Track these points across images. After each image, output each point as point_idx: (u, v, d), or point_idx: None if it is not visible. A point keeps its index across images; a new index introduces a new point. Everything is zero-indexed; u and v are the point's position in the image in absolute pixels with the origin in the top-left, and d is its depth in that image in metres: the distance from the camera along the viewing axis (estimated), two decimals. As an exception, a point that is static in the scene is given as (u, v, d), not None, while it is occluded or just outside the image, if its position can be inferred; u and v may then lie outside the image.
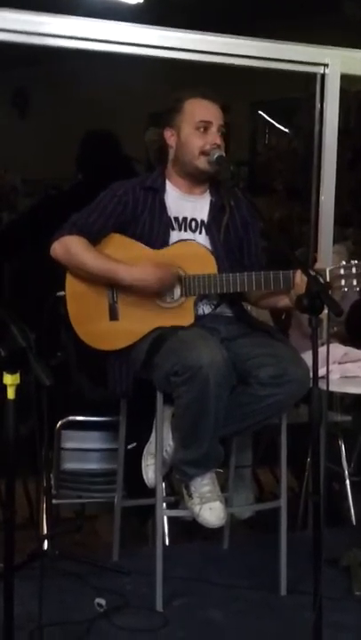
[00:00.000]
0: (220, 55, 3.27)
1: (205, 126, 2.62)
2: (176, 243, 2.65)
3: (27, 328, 1.80)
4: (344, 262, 2.40)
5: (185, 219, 2.68)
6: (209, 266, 2.59)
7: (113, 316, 2.64)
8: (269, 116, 6.05)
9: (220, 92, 2.72)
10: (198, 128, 2.62)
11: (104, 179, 2.75)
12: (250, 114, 6.02)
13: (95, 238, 2.63)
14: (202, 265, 2.59)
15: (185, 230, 2.67)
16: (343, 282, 2.39)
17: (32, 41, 3.05)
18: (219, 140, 2.61)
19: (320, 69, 3.39)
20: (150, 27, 3.19)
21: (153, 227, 2.64)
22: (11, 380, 1.80)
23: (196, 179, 2.68)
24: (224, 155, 2.60)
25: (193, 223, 2.68)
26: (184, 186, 2.70)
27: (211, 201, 2.71)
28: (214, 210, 2.70)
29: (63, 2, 3.42)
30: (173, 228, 2.66)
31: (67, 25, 3.08)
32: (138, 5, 5.05)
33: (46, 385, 1.76)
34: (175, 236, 2.66)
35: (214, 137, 2.61)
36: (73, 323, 2.67)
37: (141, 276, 2.55)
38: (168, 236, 2.65)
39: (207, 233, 2.67)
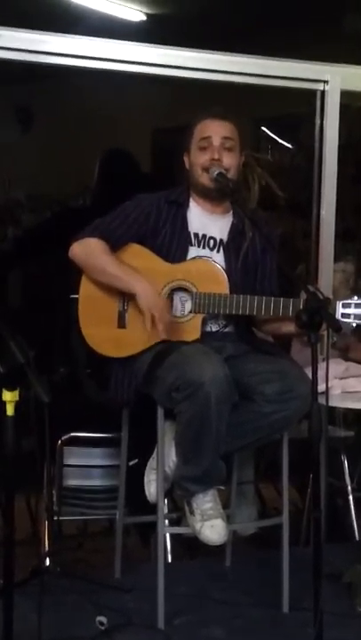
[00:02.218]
0: (221, 73, 3.30)
1: (207, 143, 2.64)
2: (192, 259, 2.66)
3: (26, 344, 1.81)
4: (356, 297, 2.38)
5: (204, 236, 2.69)
6: (221, 286, 2.60)
7: (121, 323, 2.65)
8: (272, 133, 6.07)
9: (224, 109, 2.74)
10: (200, 147, 2.65)
11: (124, 195, 2.76)
12: (253, 130, 6.04)
13: (115, 244, 2.65)
14: (214, 284, 2.60)
15: (203, 247, 2.68)
16: (353, 317, 2.38)
17: (34, 59, 3.09)
18: (216, 155, 2.62)
19: (320, 86, 3.42)
20: (151, 45, 3.22)
21: (173, 240, 2.66)
22: (10, 396, 1.81)
23: (208, 197, 2.69)
24: (224, 172, 2.61)
25: (212, 241, 2.69)
26: (205, 205, 2.71)
27: (233, 222, 2.72)
28: (234, 231, 2.71)
29: (65, 20, 3.46)
30: (192, 244, 2.67)
31: (68, 44, 3.11)
32: (140, 23, 5.09)
33: (45, 402, 1.76)
34: (193, 252, 2.67)
35: (213, 152, 2.63)
36: (81, 325, 2.68)
37: (153, 303, 2.54)
38: (186, 251, 2.66)
39: (225, 253, 2.68)
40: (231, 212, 2.74)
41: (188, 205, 2.71)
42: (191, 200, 2.72)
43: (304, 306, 2.12)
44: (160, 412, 2.57)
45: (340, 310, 2.33)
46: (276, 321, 2.65)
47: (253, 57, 3.32)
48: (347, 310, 2.33)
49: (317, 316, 2.08)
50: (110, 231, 2.65)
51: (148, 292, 2.56)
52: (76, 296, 2.71)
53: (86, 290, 2.69)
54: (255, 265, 2.73)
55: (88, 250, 2.63)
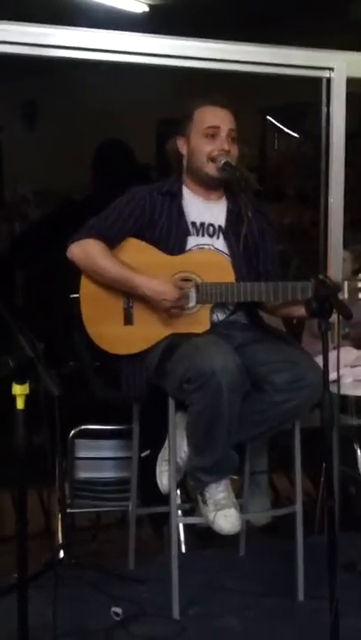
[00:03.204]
0: (226, 62, 3.29)
1: (213, 132, 2.62)
2: (193, 249, 2.65)
3: (34, 338, 1.81)
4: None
5: (203, 224, 2.68)
6: (226, 274, 2.59)
7: (128, 320, 2.64)
8: (278, 122, 6.04)
9: (229, 99, 2.73)
10: (207, 135, 2.63)
11: (121, 186, 2.76)
12: (259, 119, 6.02)
13: (113, 242, 2.64)
14: (219, 273, 2.59)
15: (203, 235, 2.68)
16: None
17: (38, 53, 3.08)
18: (226, 146, 2.61)
19: (326, 74, 3.40)
20: (155, 36, 3.21)
21: (170, 231, 2.65)
22: (19, 390, 1.81)
23: (208, 185, 2.69)
24: (230, 160, 2.60)
25: (211, 228, 2.69)
26: (200, 192, 2.71)
27: (228, 207, 2.71)
28: (231, 216, 2.70)
29: (68, 13, 3.44)
30: (191, 234, 2.67)
31: (72, 36, 3.11)
32: (144, 14, 5.06)
33: (55, 395, 1.76)
34: (193, 241, 2.66)
35: (222, 142, 2.62)
36: (86, 325, 2.67)
37: (160, 290, 2.54)
38: (185, 241, 2.65)
39: (225, 238, 2.68)
40: (224, 197, 2.72)
41: (181, 195, 2.70)
42: (185, 188, 2.71)
43: (314, 293, 2.11)
44: (171, 403, 2.57)
45: (346, 289, 2.33)
46: (287, 305, 2.64)
47: (258, 45, 3.31)
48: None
49: (327, 303, 2.07)
50: (107, 229, 2.63)
51: (150, 284, 2.55)
52: (77, 295, 2.70)
53: (87, 289, 2.67)
54: (256, 247, 2.72)
55: (87, 251, 2.62)
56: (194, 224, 2.68)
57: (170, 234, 2.65)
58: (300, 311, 2.55)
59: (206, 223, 2.68)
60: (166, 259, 2.63)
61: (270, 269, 2.72)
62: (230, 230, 2.68)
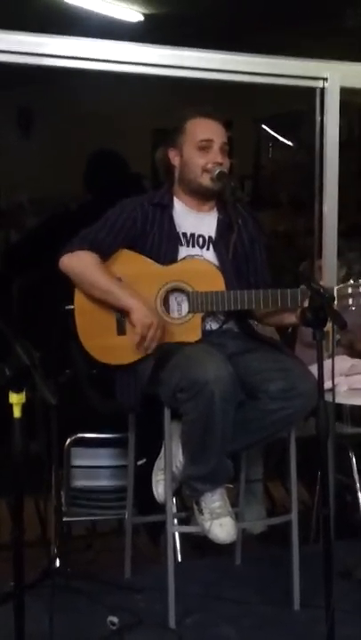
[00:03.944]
0: (220, 72, 3.29)
1: (207, 145, 2.64)
2: (184, 259, 2.66)
3: (31, 347, 1.81)
4: (352, 281, 2.39)
5: (193, 235, 2.69)
6: (217, 283, 2.60)
7: (120, 330, 2.65)
8: (273, 130, 6.07)
9: (223, 108, 2.75)
10: (200, 148, 2.65)
11: (113, 196, 2.77)
12: (253, 128, 6.04)
13: (105, 254, 2.65)
14: (210, 282, 2.60)
15: (193, 246, 2.69)
16: (351, 300, 2.38)
17: (32, 62, 3.08)
18: (220, 159, 2.63)
19: (319, 83, 3.41)
20: (150, 45, 3.22)
21: (162, 242, 2.66)
22: (16, 398, 1.81)
23: (201, 196, 2.70)
24: (225, 171, 2.62)
25: (200, 239, 2.70)
26: (191, 203, 2.72)
27: (218, 218, 2.72)
28: (222, 227, 2.71)
29: (63, 23, 3.46)
30: (182, 244, 2.68)
31: (67, 45, 3.11)
32: (138, 24, 5.09)
33: (52, 404, 1.76)
34: (183, 251, 2.67)
35: (215, 155, 2.63)
36: (81, 337, 2.68)
37: (147, 316, 2.54)
38: (176, 251, 2.66)
39: (215, 249, 2.69)
40: (215, 209, 2.73)
41: (172, 206, 2.71)
42: (175, 200, 2.72)
43: (308, 303, 2.12)
44: (167, 412, 2.57)
45: (335, 295, 2.34)
46: (278, 313, 2.65)
47: (252, 55, 3.32)
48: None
49: (322, 312, 2.08)
50: (99, 241, 2.64)
51: (141, 311, 2.55)
52: (72, 307, 2.70)
53: (81, 302, 2.68)
54: (245, 257, 2.73)
55: (79, 263, 2.63)
56: (185, 235, 2.69)
57: (161, 245, 2.66)
58: (291, 319, 2.58)
59: (196, 234, 2.70)
60: (158, 269, 2.64)
61: (260, 278, 2.73)
62: (220, 241, 2.70)
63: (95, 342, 2.67)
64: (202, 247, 2.69)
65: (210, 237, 2.70)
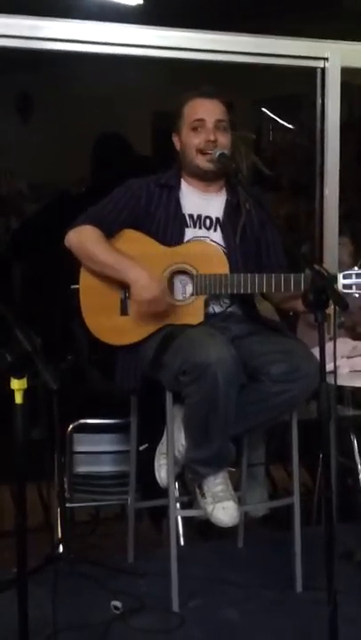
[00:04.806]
0: (219, 53, 3.27)
1: (199, 125, 2.63)
2: (190, 241, 2.65)
3: (32, 332, 1.80)
4: (356, 268, 2.37)
5: (200, 216, 2.68)
6: (221, 265, 2.59)
7: (124, 310, 2.64)
8: (273, 113, 6.03)
9: (224, 90, 2.73)
10: (193, 128, 2.64)
11: (119, 179, 2.76)
12: (253, 111, 6.01)
13: (109, 230, 2.64)
14: (214, 264, 2.59)
15: (200, 228, 2.67)
16: (355, 287, 2.36)
17: (31, 45, 3.07)
18: (212, 136, 2.61)
19: (320, 64, 3.38)
20: (149, 27, 3.20)
21: (168, 224, 2.65)
22: (18, 384, 1.80)
23: (203, 177, 2.68)
24: (225, 152, 2.60)
25: (208, 221, 2.68)
26: (197, 184, 2.70)
27: (227, 199, 2.71)
28: (229, 208, 2.70)
29: (62, 6, 3.42)
30: (188, 226, 2.67)
31: (65, 28, 3.09)
32: (137, 7, 5.04)
33: (54, 389, 1.76)
34: (190, 233, 2.66)
35: (208, 133, 2.62)
36: (85, 316, 2.68)
37: (145, 284, 2.53)
38: (183, 233, 2.65)
39: (222, 231, 2.67)
40: (224, 190, 2.72)
41: (179, 187, 2.70)
42: (183, 182, 2.71)
43: (310, 284, 2.11)
44: (168, 396, 2.57)
45: (341, 282, 2.31)
46: (292, 299, 2.62)
47: (252, 36, 3.29)
48: (348, 281, 2.31)
49: (324, 294, 2.07)
50: (103, 217, 2.64)
51: (141, 280, 2.53)
52: (77, 286, 2.70)
53: (86, 280, 2.68)
54: (256, 240, 2.71)
55: (82, 237, 2.62)
56: (191, 216, 2.68)
57: (167, 226, 2.65)
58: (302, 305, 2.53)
59: (203, 216, 2.68)
60: (163, 250, 2.63)
61: (274, 260, 2.72)
62: (228, 223, 2.68)
63: (98, 321, 2.67)
64: (208, 228, 2.68)
65: (217, 219, 2.68)
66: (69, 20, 3.12)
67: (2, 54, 3.16)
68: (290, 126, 5.96)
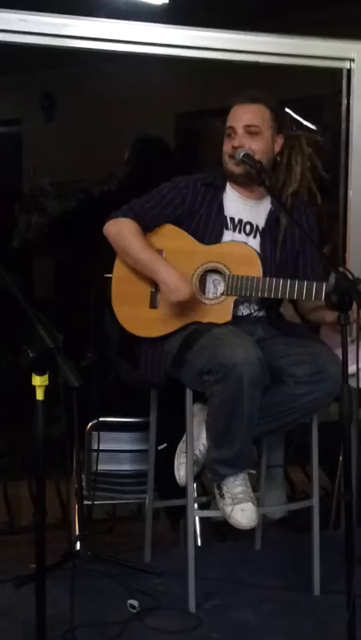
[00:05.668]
0: (245, 53, 3.25)
1: (230, 132, 2.65)
2: (227, 241, 2.65)
3: (54, 329, 1.80)
4: None
5: (240, 221, 2.68)
6: (255, 269, 2.58)
7: (153, 303, 2.65)
8: (296, 114, 6.01)
9: (259, 93, 2.71)
10: (227, 135, 2.66)
11: (155, 181, 2.76)
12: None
13: (149, 225, 2.66)
14: (248, 267, 2.58)
15: (239, 232, 2.67)
16: None
17: (56, 43, 3.06)
18: (237, 142, 2.62)
19: (346, 64, 3.36)
20: (175, 27, 3.19)
21: (208, 223, 2.66)
22: (39, 381, 1.80)
23: (239, 183, 2.68)
24: (250, 153, 2.59)
25: (248, 227, 2.68)
26: (240, 190, 2.70)
27: (270, 209, 2.71)
28: (271, 218, 2.70)
29: (87, 4, 3.43)
30: (228, 228, 2.67)
31: (90, 27, 3.09)
32: (163, 6, 5.05)
33: (75, 386, 1.76)
34: (229, 236, 2.66)
35: (237, 139, 2.63)
36: (113, 304, 2.69)
37: (176, 284, 2.54)
38: (221, 234, 2.65)
39: (261, 239, 2.67)
40: (268, 199, 2.71)
41: (224, 189, 2.71)
42: (228, 185, 2.72)
43: (334, 286, 2.10)
44: (189, 394, 2.56)
45: None
46: (320, 309, 2.60)
47: (278, 36, 3.28)
48: None
49: (347, 296, 2.06)
50: (145, 211, 2.65)
51: (171, 283, 2.54)
52: (110, 275, 2.72)
53: (120, 270, 2.70)
54: (295, 254, 2.71)
55: (120, 229, 2.64)
56: (232, 220, 2.68)
57: (207, 225, 2.66)
58: (332, 317, 2.43)
59: (244, 221, 2.68)
60: (198, 247, 2.64)
61: (310, 274, 2.70)
62: (268, 232, 2.68)
63: (126, 312, 2.68)
64: (248, 234, 2.68)
65: (257, 226, 2.68)
66: (94, 18, 3.12)
67: (27, 53, 3.17)
68: (313, 127, 5.94)
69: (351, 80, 3.35)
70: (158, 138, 4.30)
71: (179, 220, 2.67)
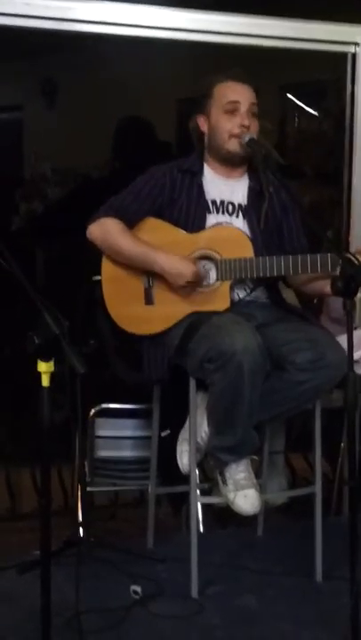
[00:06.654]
0: (247, 36, 3.22)
1: (233, 108, 2.60)
2: (212, 226, 2.63)
3: (60, 315, 1.79)
4: None
5: (222, 202, 2.66)
6: (245, 250, 2.57)
7: (148, 300, 2.63)
8: (298, 100, 5.98)
9: (249, 74, 2.69)
10: (227, 111, 2.60)
11: (141, 164, 2.74)
12: (279, 97, 5.96)
13: (131, 221, 2.63)
14: (238, 249, 2.57)
15: (222, 213, 2.65)
16: None
17: (59, 27, 3.03)
18: (247, 121, 2.58)
19: (351, 49, 3.33)
20: (176, 9, 3.16)
21: (190, 210, 2.63)
22: (45, 367, 1.80)
23: (230, 162, 2.66)
24: (255, 137, 2.57)
25: (230, 206, 2.66)
26: (221, 169, 2.68)
27: (249, 185, 2.69)
28: (252, 194, 2.68)
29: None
30: (210, 212, 2.65)
31: (94, 10, 3.06)
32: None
33: (81, 373, 1.75)
34: (212, 219, 2.65)
35: (242, 118, 2.59)
36: (108, 307, 2.67)
37: (177, 267, 2.53)
38: (205, 219, 2.63)
39: (245, 217, 2.65)
40: (247, 175, 2.70)
41: (202, 173, 2.68)
42: (205, 166, 2.69)
43: (339, 272, 2.09)
44: (192, 383, 2.56)
45: None
46: (316, 280, 2.59)
47: (281, 19, 3.24)
48: None
49: (353, 282, 2.05)
50: (125, 208, 2.62)
51: (168, 259, 2.54)
52: (99, 277, 2.69)
53: (108, 270, 2.67)
54: (278, 225, 2.69)
55: (105, 230, 2.61)
56: (214, 202, 2.66)
57: (189, 212, 2.63)
58: (329, 288, 2.49)
59: (226, 201, 2.66)
60: (185, 236, 2.62)
61: (297, 245, 2.69)
62: (251, 208, 2.66)
63: (122, 312, 2.66)
64: (231, 214, 2.66)
65: (240, 205, 2.66)
66: (98, 1, 3.09)
67: (28, 38, 3.14)
68: (315, 113, 5.91)
69: (356, 65, 3.32)
70: (137, 118, 4.25)
71: (160, 211, 2.65)
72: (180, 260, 2.54)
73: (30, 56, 5.67)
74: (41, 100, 6.56)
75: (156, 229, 2.64)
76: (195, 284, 2.56)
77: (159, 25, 3.13)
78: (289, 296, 3.05)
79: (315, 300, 3.55)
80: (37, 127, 6.48)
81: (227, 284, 2.58)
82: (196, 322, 2.52)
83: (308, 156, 5.57)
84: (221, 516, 3.20)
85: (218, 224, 2.64)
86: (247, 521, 2.90)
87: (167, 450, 2.81)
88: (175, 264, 2.54)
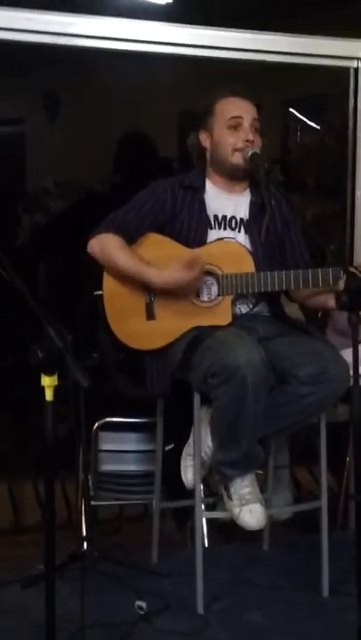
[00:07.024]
0: (250, 52, 3.23)
1: (236, 123, 2.61)
2: (213, 241, 2.63)
3: (63, 329, 1.79)
4: None
5: (225, 217, 2.66)
6: (247, 264, 2.57)
7: (150, 315, 2.63)
8: (300, 114, 6.00)
9: (251, 91, 2.71)
10: (230, 126, 2.61)
11: (142, 179, 2.75)
12: (281, 112, 5.99)
13: (132, 237, 2.63)
14: (239, 264, 2.57)
15: (225, 229, 2.65)
16: None
17: (60, 42, 3.04)
18: (251, 136, 2.59)
19: (353, 63, 3.34)
20: (179, 25, 3.17)
21: (191, 225, 2.63)
22: (49, 381, 1.79)
23: (233, 176, 2.66)
24: (258, 152, 2.58)
25: (233, 221, 2.66)
26: (223, 184, 2.68)
27: (251, 200, 2.69)
28: (254, 209, 2.68)
29: (91, 3, 3.41)
30: (212, 227, 2.65)
31: (95, 25, 3.07)
32: (167, 5, 5.04)
33: (84, 386, 1.74)
34: (214, 234, 2.64)
35: (246, 133, 2.60)
36: (110, 322, 2.67)
37: (172, 279, 2.53)
38: (206, 234, 2.63)
39: (247, 231, 2.65)
40: (248, 190, 2.70)
41: (204, 189, 2.68)
42: (207, 182, 2.69)
43: (344, 286, 2.09)
44: (196, 397, 2.55)
45: None
46: (318, 294, 2.59)
47: (284, 35, 3.25)
48: None
49: (358, 296, 2.04)
50: (126, 224, 2.62)
51: (162, 275, 2.52)
52: (100, 292, 2.69)
53: (109, 285, 2.67)
54: (280, 240, 2.69)
55: (104, 246, 2.61)
56: (216, 217, 2.66)
57: (190, 228, 2.63)
58: (332, 302, 2.48)
59: (228, 216, 2.67)
60: (185, 252, 2.61)
61: (299, 259, 2.69)
62: (253, 223, 2.66)
63: (124, 327, 2.65)
64: (234, 229, 2.66)
65: (242, 219, 2.66)
66: (99, 16, 3.10)
67: (30, 52, 3.15)
68: (317, 127, 5.93)
69: (359, 79, 3.33)
70: (139, 134, 4.26)
71: (161, 227, 2.65)
72: (172, 272, 2.52)
73: (32, 70, 5.70)
74: (42, 113, 6.59)
75: (157, 245, 2.64)
76: (196, 280, 2.53)
77: (160, 40, 3.14)
78: (293, 309, 3.05)
79: (319, 314, 3.55)
80: (39, 140, 6.50)
81: (228, 298, 2.58)
82: (199, 336, 2.52)
83: (311, 169, 5.58)
84: (226, 530, 3.18)
85: (219, 239, 2.64)
86: (252, 535, 2.88)
87: (171, 464, 2.80)
88: (169, 279, 2.52)
